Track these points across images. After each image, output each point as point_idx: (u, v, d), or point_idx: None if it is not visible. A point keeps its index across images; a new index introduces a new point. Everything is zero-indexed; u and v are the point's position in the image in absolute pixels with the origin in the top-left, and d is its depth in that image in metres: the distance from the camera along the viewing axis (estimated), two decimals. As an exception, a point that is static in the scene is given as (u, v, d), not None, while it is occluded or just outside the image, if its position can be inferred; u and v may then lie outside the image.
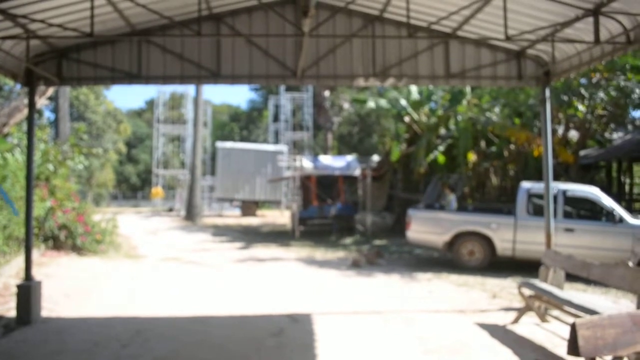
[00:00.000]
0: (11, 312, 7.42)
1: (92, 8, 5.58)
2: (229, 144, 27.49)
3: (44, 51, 7.17)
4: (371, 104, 17.64)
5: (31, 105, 7.22)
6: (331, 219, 17.09)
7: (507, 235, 10.84)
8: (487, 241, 11.01)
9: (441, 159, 16.51)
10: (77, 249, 12.58)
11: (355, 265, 11.58)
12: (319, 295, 8.83)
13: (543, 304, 7.06)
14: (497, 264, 11.14)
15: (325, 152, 28.24)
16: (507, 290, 9.20)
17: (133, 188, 49.09)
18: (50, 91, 8.09)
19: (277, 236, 17.64)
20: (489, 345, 6.10)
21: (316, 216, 17.25)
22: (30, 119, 7.24)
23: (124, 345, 5.98)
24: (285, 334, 6.49)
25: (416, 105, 17.16)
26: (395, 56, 7.68)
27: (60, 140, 16.31)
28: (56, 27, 5.88)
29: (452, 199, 12.07)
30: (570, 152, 13.63)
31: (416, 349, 5.91)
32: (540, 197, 10.92)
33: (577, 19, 6.27)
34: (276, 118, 37.34)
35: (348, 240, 16.11)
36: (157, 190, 26.41)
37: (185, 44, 7.39)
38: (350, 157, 18.30)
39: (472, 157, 15.54)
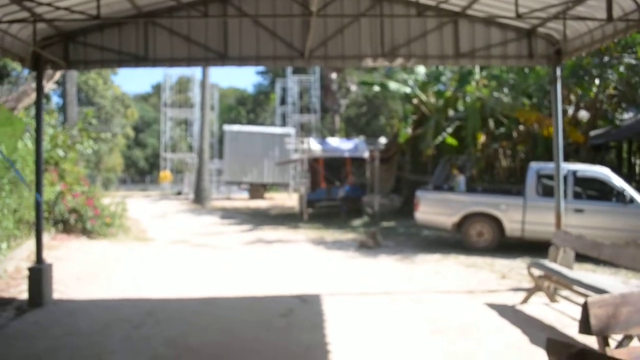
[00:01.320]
0: (23, 294, 7.51)
1: (98, -11, 5.53)
2: (236, 127, 27.39)
3: (51, 35, 7.15)
4: (376, 88, 17.50)
5: (39, 89, 7.23)
6: (339, 201, 17.09)
7: (516, 216, 10.80)
8: (496, 222, 10.98)
9: (450, 140, 16.40)
10: (87, 233, 12.70)
11: (363, 246, 11.61)
12: (327, 276, 8.88)
13: (552, 284, 7.06)
14: (506, 245, 11.13)
15: (332, 134, 28.18)
16: (515, 271, 9.19)
17: (141, 172, 49.35)
18: (58, 75, 8.09)
19: (285, 218, 17.70)
20: (498, 325, 6.12)
21: (324, 198, 17.25)
22: (38, 103, 7.25)
23: (136, 326, 6.06)
24: (294, 314, 6.55)
25: (424, 87, 17.01)
26: (404, 36, 7.58)
27: (68, 125, 16.35)
28: (63, 10, 5.84)
29: (461, 180, 12.02)
30: (581, 133, 13.47)
31: (424, 329, 5.94)
32: (549, 177, 10.84)
33: (590, -5, 6.14)
34: (283, 101, 37.17)
35: (356, 222, 16.13)
36: (166, 174, 26.41)
37: (192, 25, 7.33)
38: (358, 139, 18.23)
39: (481, 138, 15.42)
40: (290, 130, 27.12)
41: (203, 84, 22.55)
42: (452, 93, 16.61)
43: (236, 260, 10.46)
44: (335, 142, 18.11)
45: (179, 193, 28.83)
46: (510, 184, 14.88)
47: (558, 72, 7.90)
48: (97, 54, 7.34)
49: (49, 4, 5.83)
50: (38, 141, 7.24)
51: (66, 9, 5.81)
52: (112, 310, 6.77)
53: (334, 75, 27.56)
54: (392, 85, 17.30)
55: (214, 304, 7.10)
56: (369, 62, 7.65)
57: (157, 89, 61.10)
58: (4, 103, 7.28)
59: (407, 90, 17.24)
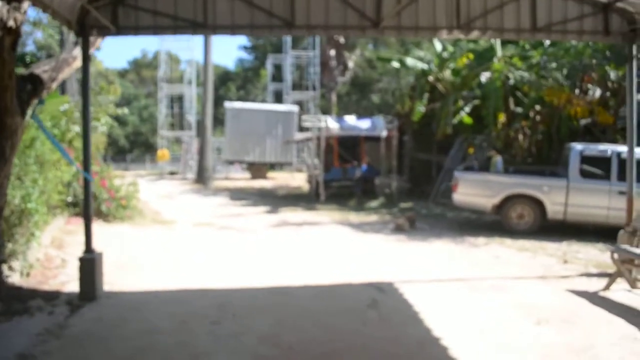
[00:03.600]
0: (66, 286, 6.89)
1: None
2: (238, 104, 26.28)
3: (98, -5, 6.37)
4: (395, 64, 16.95)
5: (85, 57, 6.50)
6: (355, 181, 16.57)
7: (559, 198, 10.56)
8: (538, 204, 10.71)
9: (466, 119, 16.06)
10: (103, 216, 11.95)
11: (399, 229, 11.21)
12: (381, 261, 8.46)
13: (634, 269, 6.82)
14: (545, 228, 10.90)
15: (327, 112, 27.49)
16: (571, 254, 8.96)
17: (121, 150, 47.71)
18: (99, 43, 7.33)
19: (297, 199, 17.14)
20: (597, 314, 5.83)
21: (340, 178, 16.69)
22: (84, 72, 6.55)
23: (215, 322, 5.51)
24: (381, 305, 6.10)
25: (442, 64, 16.54)
26: (480, 6, 7.05)
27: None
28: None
29: (498, 160, 11.67)
30: (611, 114, 13.25)
31: (526, 320, 5.60)
32: (593, 159, 10.63)
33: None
34: (274, 78, 36.14)
35: (373, 203, 15.70)
36: (163, 153, 25.00)
37: (255, -12, 6.63)
38: (375, 118, 17.67)
39: (502, 117, 15.10)
40: (294, 107, 26.21)
41: (206, 57, 21.39)
42: (470, 70, 16.17)
43: (272, 244, 9.93)
44: (352, 120, 17.48)
45: (172, 173, 27.63)
46: (529, 164, 14.66)
47: (634, 50, 7.53)
48: (149, 19, 6.59)
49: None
50: (85, 115, 6.54)
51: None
52: (177, 303, 6.19)
53: (332, 52, 26.82)
54: (409, 61, 16.78)
55: (285, 294, 6.59)
56: (443, 34, 7.13)
57: (134, 64, 59.10)
58: (44, 73, 6.46)
59: (425, 66, 16.75)
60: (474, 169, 12.29)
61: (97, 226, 11.22)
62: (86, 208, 6.65)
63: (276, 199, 17.29)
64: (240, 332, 5.23)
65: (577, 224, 10.77)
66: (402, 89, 18.15)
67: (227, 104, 25.49)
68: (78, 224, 11.19)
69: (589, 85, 14.12)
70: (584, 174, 10.55)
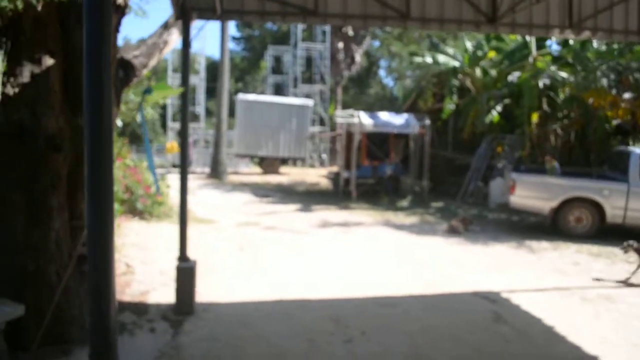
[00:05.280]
0: (148, 296, 6.37)
1: None
2: (251, 97, 25.35)
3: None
4: (429, 59, 16.64)
5: (186, 42, 5.93)
6: (387, 179, 16.14)
7: (619, 202, 10.42)
8: (597, 208, 10.56)
9: (496, 118, 15.88)
10: (139, 213, 11.27)
11: (452, 231, 10.91)
12: (459, 266, 8.14)
13: None
14: (601, 232, 10.73)
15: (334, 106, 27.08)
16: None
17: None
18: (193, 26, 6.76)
19: (322, 197, 16.64)
20: None
21: (370, 176, 16.23)
22: (184, 60, 6.01)
23: (347, 340, 5.10)
24: (505, 319, 5.76)
25: (475, 61, 16.29)
26: (591, 6, 6.76)
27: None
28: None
29: (556, 165, 11.45)
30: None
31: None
32: (653, 163, 10.51)
33: None
34: (274, 70, 35.41)
35: (403, 202, 15.35)
36: (173, 145, 23.75)
37: (368, -24, 6.17)
38: (408, 115, 17.24)
39: (535, 117, 14.95)
40: (309, 101, 25.51)
41: (222, 47, 20.36)
42: (503, 69, 15.98)
43: (333, 247, 9.48)
44: (385, 116, 17.02)
45: (175, 166, 26.47)
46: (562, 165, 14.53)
47: None
48: (256, 4, 6.07)
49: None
50: (184, 106, 6.02)
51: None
52: (285, 317, 5.70)
53: (340, 45, 26.36)
54: (441, 58, 16.50)
55: (393, 305, 6.19)
56: (555, 33, 6.82)
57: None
58: (135, 58, 5.87)
59: (456, 64, 16.48)
60: (523, 170, 12.02)
61: (138, 225, 10.68)
62: (182, 211, 6.13)
63: (301, 196, 16.75)
64: (382, 353, 4.83)
65: (634, 227, 10.67)
66: (429, 86, 17.80)
67: (240, 96, 24.60)
68: (116, 222, 10.55)
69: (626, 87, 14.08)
70: (645, 178, 10.43)
